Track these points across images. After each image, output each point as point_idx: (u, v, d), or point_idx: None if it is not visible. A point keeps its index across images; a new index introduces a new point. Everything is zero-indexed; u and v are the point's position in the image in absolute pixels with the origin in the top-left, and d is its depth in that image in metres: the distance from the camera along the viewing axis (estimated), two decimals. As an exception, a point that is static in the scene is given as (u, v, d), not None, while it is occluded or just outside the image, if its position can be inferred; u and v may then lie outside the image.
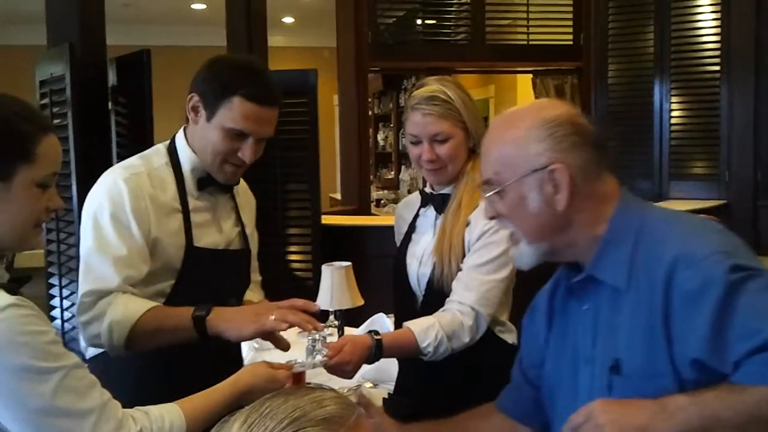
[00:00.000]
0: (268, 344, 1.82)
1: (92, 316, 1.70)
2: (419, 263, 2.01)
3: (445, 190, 2.00)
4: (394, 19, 6.40)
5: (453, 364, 1.86)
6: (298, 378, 1.64)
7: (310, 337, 2.03)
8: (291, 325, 1.64)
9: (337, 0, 6.12)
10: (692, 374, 1.20)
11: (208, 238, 1.89)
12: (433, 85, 1.93)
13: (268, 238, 4.20)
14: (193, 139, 1.88)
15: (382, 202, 8.51)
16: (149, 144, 3.70)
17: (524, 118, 1.36)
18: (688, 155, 5.87)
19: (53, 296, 4.09)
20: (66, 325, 3.96)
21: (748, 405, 1.13)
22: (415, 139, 1.94)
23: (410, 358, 1.91)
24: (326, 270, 2.88)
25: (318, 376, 2.26)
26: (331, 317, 2.83)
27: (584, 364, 1.37)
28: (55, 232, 3.95)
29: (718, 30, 5.59)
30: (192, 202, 1.87)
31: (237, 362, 2.09)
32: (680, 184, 5.84)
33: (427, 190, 2.07)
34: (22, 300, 1.22)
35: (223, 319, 1.68)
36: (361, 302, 2.89)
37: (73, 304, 3.87)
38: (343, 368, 1.70)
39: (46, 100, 3.98)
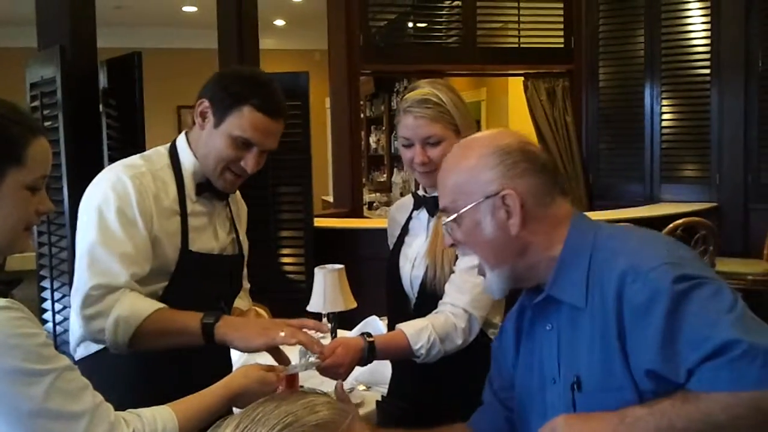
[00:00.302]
0: None
1: (98, 311, 1.69)
2: (412, 266, 2.01)
3: (438, 193, 2.00)
4: (386, 22, 6.40)
5: (446, 366, 1.86)
6: (291, 380, 1.64)
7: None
8: (298, 343, 1.65)
9: (328, 3, 6.13)
10: (649, 385, 1.23)
11: (203, 242, 1.90)
12: (425, 88, 1.94)
13: (260, 240, 4.23)
14: (197, 144, 1.89)
15: (374, 204, 8.52)
16: (140, 146, 3.70)
17: (477, 146, 1.41)
18: (679, 158, 5.89)
19: (45, 299, 4.07)
20: (58, 327, 3.94)
21: (702, 413, 1.16)
22: (407, 142, 1.94)
23: (403, 360, 1.91)
24: (319, 273, 2.88)
25: (311, 378, 2.26)
26: (324, 320, 2.82)
27: (551, 384, 1.41)
28: (46, 235, 3.94)
29: (708, 33, 5.63)
30: (190, 206, 1.88)
31: (226, 365, 2.09)
32: (671, 187, 5.86)
33: (420, 192, 2.07)
34: (12, 303, 1.21)
35: (232, 328, 1.69)
36: (354, 305, 2.88)
37: (65, 307, 3.85)
38: (335, 370, 1.70)
39: (36, 103, 3.97)
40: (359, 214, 6.22)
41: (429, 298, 1.94)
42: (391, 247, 2.14)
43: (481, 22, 6.22)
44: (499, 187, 1.35)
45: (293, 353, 2.09)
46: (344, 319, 2.92)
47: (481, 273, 1.45)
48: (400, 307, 2.04)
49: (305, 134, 4.33)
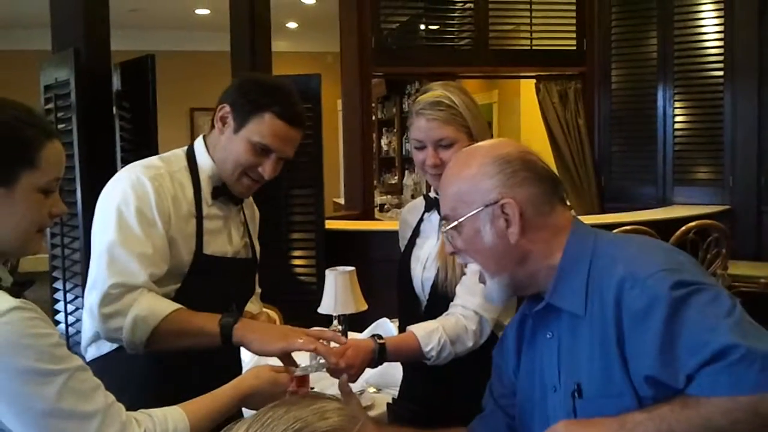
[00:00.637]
0: None
1: (116, 309, 1.70)
2: (423, 268, 2.01)
3: (440, 201, 2.00)
4: (398, 25, 6.41)
5: (457, 368, 1.86)
6: (302, 381, 1.64)
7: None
8: (315, 351, 1.66)
9: (340, 5, 6.14)
10: (649, 391, 1.24)
11: (217, 245, 1.91)
12: (437, 91, 1.93)
13: (272, 242, 4.23)
14: (215, 148, 1.90)
15: (385, 206, 8.51)
16: (153, 148, 3.72)
17: (477, 155, 1.43)
18: (692, 160, 5.87)
19: (57, 300, 4.10)
20: (70, 328, 3.97)
21: (702, 417, 1.17)
22: (419, 144, 1.94)
23: (414, 362, 1.91)
24: (330, 275, 2.88)
25: (321, 380, 2.26)
26: (335, 322, 2.82)
27: (551, 391, 1.41)
28: (59, 237, 3.96)
29: (721, 35, 5.60)
30: (206, 209, 1.89)
31: (236, 366, 2.10)
32: (684, 190, 5.84)
33: (432, 194, 2.07)
34: (25, 303, 1.22)
35: (250, 330, 1.70)
36: (364, 307, 2.88)
37: (77, 308, 3.88)
38: (346, 372, 1.70)
39: (50, 105, 3.99)
40: (370, 216, 6.23)
41: (440, 300, 1.93)
42: (402, 249, 2.14)
43: (493, 24, 6.22)
44: (499, 195, 1.37)
45: (303, 355, 2.10)
46: (355, 321, 2.92)
47: (482, 281, 1.46)
48: (410, 309, 2.04)
49: (317, 136, 4.34)
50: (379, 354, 1.76)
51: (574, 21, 6.34)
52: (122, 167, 1.96)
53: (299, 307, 3.77)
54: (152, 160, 1.90)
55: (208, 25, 9.06)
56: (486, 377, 1.67)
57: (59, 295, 4.07)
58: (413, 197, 8.11)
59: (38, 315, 1.23)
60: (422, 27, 6.51)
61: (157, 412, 1.38)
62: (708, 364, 1.16)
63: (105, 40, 3.99)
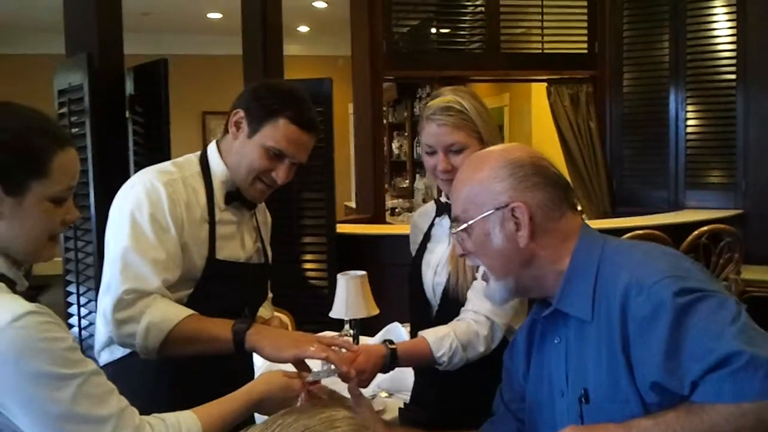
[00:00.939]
0: None
1: (130, 315, 1.71)
2: (434, 272, 2.01)
3: (452, 203, 2.00)
4: (409, 28, 6.41)
5: (468, 372, 1.86)
6: (313, 386, 1.64)
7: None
8: (327, 360, 1.66)
9: (352, 9, 6.16)
10: (654, 397, 1.25)
11: (230, 251, 1.92)
12: (448, 96, 1.94)
13: (283, 246, 4.24)
14: (228, 154, 1.91)
15: (396, 210, 8.52)
16: (166, 152, 3.74)
17: (490, 159, 1.45)
18: (704, 164, 5.84)
19: (71, 304, 4.12)
20: (83, 332, 3.99)
21: (707, 424, 1.17)
22: (430, 150, 1.94)
23: (425, 367, 1.91)
24: (341, 279, 2.89)
25: (332, 385, 2.27)
26: (346, 326, 2.83)
27: (559, 396, 1.42)
28: (72, 241, 3.98)
29: (733, 38, 5.58)
30: (219, 214, 1.90)
31: (248, 370, 2.11)
32: (696, 194, 5.81)
33: (443, 199, 2.08)
34: (40, 307, 1.23)
35: (262, 336, 1.71)
36: (376, 311, 2.89)
37: (90, 312, 3.90)
38: (358, 377, 1.70)
39: (64, 109, 4.02)
40: (381, 220, 6.23)
41: (451, 305, 1.94)
42: (413, 253, 2.15)
43: (504, 27, 6.22)
44: (509, 199, 1.38)
45: (315, 360, 2.10)
46: (366, 325, 2.93)
47: (485, 278, 1.48)
48: (422, 313, 2.04)
49: (328, 140, 4.35)
50: (391, 359, 1.76)
51: (585, 24, 6.33)
52: (135, 171, 1.97)
53: (310, 310, 3.78)
54: (166, 165, 1.91)
55: (220, 28, 9.10)
56: (497, 381, 1.67)
57: (72, 299, 4.09)
58: (424, 201, 8.11)
59: (52, 319, 1.24)
60: (433, 31, 6.52)
61: (170, 417, 1.39)
62: (712, 371, 1.17)
63: (118, 44, 4.02)
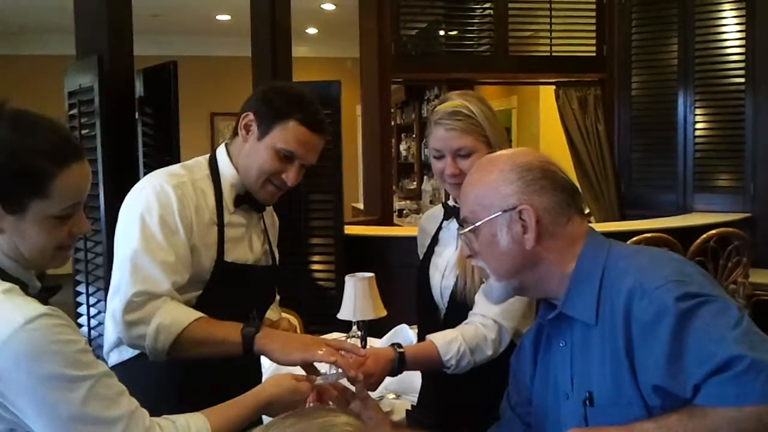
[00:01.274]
0: None
1: (140, 317, 1.72)
2: (442, 276, 2.02)
3: (460, 204, 2.01)
4: (417, 31, 6.42)
5: (475, 375, 1.86)
6: (322, 390, 1.65)
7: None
8: (335, 364, 1.67)
9: (360, 11, 6.16)
10: (657, 400, 1.26)
11: (238, 253, 1.93)
12: (456, 100, 1.94)
13: (291, 247, 4.25)
14: (238, 156, 1.93)
15: (404, 212, 8.52)
16: (175, 153, 3.76)
17: (499, 162, 1.47)
18: (713, 167, 5.82)
19: (80, 304, 4.14)
20: (92, 332, 4.01)
21: (708, 427, 1.19)
22: (438, 154, 1.95)
23: (433, 370, 1.92)
24: (349, 281, 2.90)
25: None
26: (354, 328, 2.84)
27: (564, 399, 1.44)
28: (82, 241, 4.00)
29: (742, 41, 5.55)
30: (228, 217, 1.91)
31: (256, 373, 2.12)
32: (704, 197, 5.79)
33: (450, 203, 2.08)
34: (53, 310, 1.24)
35: (271, 339, 1.72)
36: (384, 313, 2.89)
37: (99, 312, 3.92)
38: (366, 380, 1.71)
39: (74, 111, 4.04)
40: (389, 222, 6.23)
41: (459, 309, 1.94)
42: (420, 256, 2.15)
43: (512, 30, 6.21)
44: (517, 202, 1.40)
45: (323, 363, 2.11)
46: (374, 327, 2.93)
47: (486, 276, 1.50)
48: (430, 317, 2.05)
49: (336, 142, 4.36)
50: (399, 363, 1.77)
51: (594, 27, 6.31)
52: (144, 172, 1.98)
53: (318, 312, 3.79)
54: (175, 168, 1.93)
55: (228, 30, 9.12)
56: (504, 385, 1.68)
57: (82, 299, 4.12)
58: (432, 203, 8.12)
59: (65, 322, 1.25)
60: (442, 33, 6.52)
61: (180, 419, 1.40)
62: (714, 375, 1.18)
63: (128, 46, 4.04)
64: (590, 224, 1.53)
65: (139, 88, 4.16)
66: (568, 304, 1.41)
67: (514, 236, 1.40)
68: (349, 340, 2.60)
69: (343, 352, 1.71)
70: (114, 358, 1.89)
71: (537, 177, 1.42)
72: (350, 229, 4.87)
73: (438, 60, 6.29)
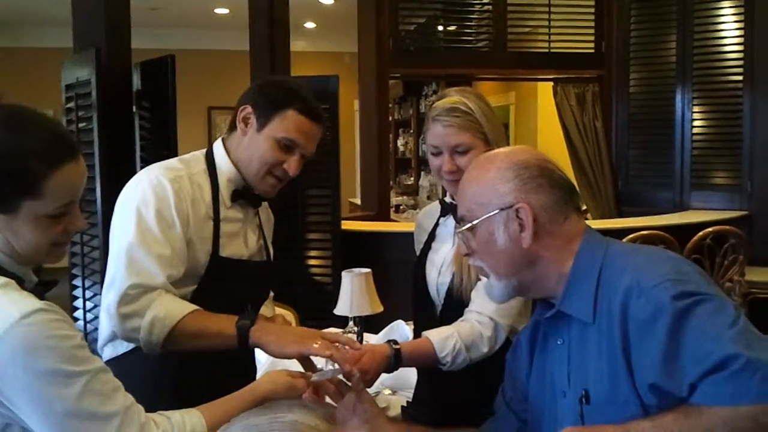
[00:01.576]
0: None
1: (134, 310, 1.71)
2: (438, 272, 2.02)
3: (457, 202, 2.01)
4: (416, 26, 6.41)
5: (470, 372, 1.87)
6: (318, 386, 1.65)
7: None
8: (330, 358, 1.67)
9: (359, 6, 6.16)
10: (653, 399, 1.26)
11: (234, 248, 1.93)
12: (453, 97, 1.94)
13: (288, 242, 4.25)
14: (237, 150, 1.93)
15: (401, 207, 8.53)
16: (172, 147, 3.75)
17: (496, 160, 1.46)
18: (710, 165, 5.83)
19: (76, 297, 4.14)
20: (89, 326, 4.01)
21: (704, 427, 1.18)
22: (436, 150, 1.95)
23: (429, 367, 1.92)
24: (346, 276, 2.89)
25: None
26: (351, 323, 2.84)
27: (561, 397, 1.44)
28: (78, 235, 4.00)
29: (741, 39, 5.56)
30: (224, 212, 1.91)
31: (251, 368, 2.12)
32: (701, 195, 5.80)
33: (447, 199, 2.08)
34: (49, 305, 1.24)
35: (266, 332, 1.71)
36: (380, 309, 2.89)
37: (95, 306, 3.92)
38: (362, 377, 1.71)
39: (71, 104, 4.04)
40: (386, 217, 6.23)
41: (455, 305, 1.94)
42: (417, 253, 2.15)
43: (511, 26, 6.21)
44: (514, 200, 1.40)
45: (320, 359, 2.11)
46: (371, 323, 2.93)
47: (484, 275, 1.50)
48: (426, 313, 2.05)
49: (334, 137, 4.36)
50: (395, 359, 1.77)
51: (592, 24, 6.32)
52: (141, 166, 1.98)
53: (315, 307, 3.79)
54: (172, 162, 1.93)
55: (226, 24, 9.11)
56: (499, 381, 1.68)
57: (78, 293, 4.12)
58: (429, 198, 8.12)
59: (61, 317, 1.25)
60: (440, 28, 6.51)
61: (175, 415, 1.40)
62: (710, 374, 1.18)
63: (126, 40, 4.04)
64: (587, 221, 1.53)
65: (136, 82, 4.15)
66: (565, 302, 1.41)
67: (511, 234, 1.40)
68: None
69: (338, 345, 1.71)
70: (108, 352, 1.89)
71: (534, 175, 1.42)
72: (347, 225, 4.87)
73: (436, 55, 6.29)
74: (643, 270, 1.31)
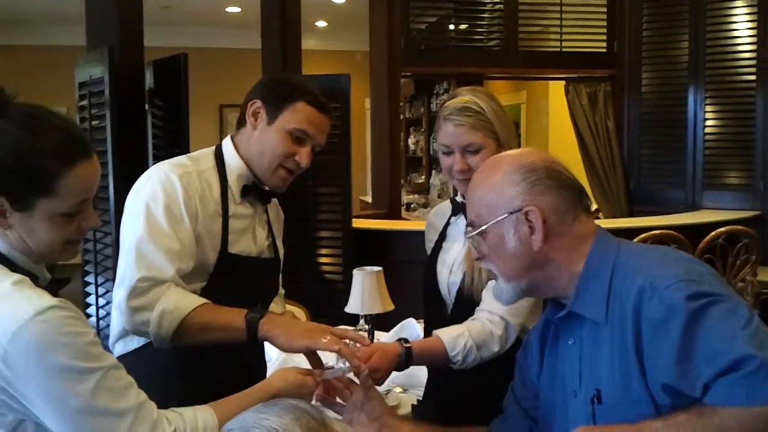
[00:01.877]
0: None
1: (144, 303, 1.72)
2: (449, 272, 2.02)
3: (466, 207, 2.01)
4: (427, 25, 6.41)
5: (481, 370, 1.87)
6: (328, 385, 1.66)
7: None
8: (339, 353, 1.67)
9: (370, 5, 6.15)
10: (666, 399, 1.26)
11: (242, 245, 1.94)
12: (465, 96, 1.94)
13: (299, 240, 4.26)
14: (247, 145, 1.94)
15: (412, 206, 8.52)
16: (184, 145, 3.77)
17: (503, 164, 1.47)
18: (722, 165, 5.79)
19: (89, 293, 4.16)
20: (101, 322, 4.03)
21: (718, 427, 1.19)
22: (447, 150, 1.95)
23: (439, 366, 1.92)
24: (357, 275, 2.90)
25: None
26: (362, 321, 2.84)
27: (572, 396, 1.44)
28: (91, 231, 4.03)
29: (754, 39, 5.53)
30: (233, 208, 1.92)
31: (260, 363, 2.13)
32: (714, 194, 5.77)
33: (458, 199, 2.08)
34: (63, 302, 1.25)
35: (275, 325, 1.71)
36: (391, 307, 2.89)
37: (108, 302, 3.94)
38: (373, 375, 1.72)
39: (84, 102, 4.06)
40: (397, 216, 6.23)
41: (466, 305, 1.95)
42: (428, 252, 2.16)
43: (522, 25, 6.19)
44: (523, 203, 1.40)
45: (331, 357, 2.12)
46: (381, 321, 2.94)
47: (493, 276, 1.50)
48: (437, 312, 2.05)
49: (345, 135, 4.36)
50: (406, 358, 1.78)
51: (604, 23, 6.29)
52: (154, 163, 1.99)
53: (326, 305, 3.80)
54: (181, 159, 1.94)
55: (238, 22, 9.13)
56: (509, 380, 1.68)
57: (91, 288, 4.14)
58: (440, 197, 8.11)
59: (75, 314, 1.26)
60: (451, 27, 6.51)
61: (188, 411, 1.41)
62: (724, 374, 1.18)
63: (139, 38, 4.06)
64: (598, 221, 1.53)
65: (149, 80, 4.17)
66: (577, 302, 1.41)
67: (522, 238, 1.41)
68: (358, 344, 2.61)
69: (347, 341, 1.71)
70: (119, 348, 1.90)
71: (542, 177, 1.42)
72: (358, 223, 4.88)
73: (447, 54, 6.28)
74: (656, 270, 1.31)
